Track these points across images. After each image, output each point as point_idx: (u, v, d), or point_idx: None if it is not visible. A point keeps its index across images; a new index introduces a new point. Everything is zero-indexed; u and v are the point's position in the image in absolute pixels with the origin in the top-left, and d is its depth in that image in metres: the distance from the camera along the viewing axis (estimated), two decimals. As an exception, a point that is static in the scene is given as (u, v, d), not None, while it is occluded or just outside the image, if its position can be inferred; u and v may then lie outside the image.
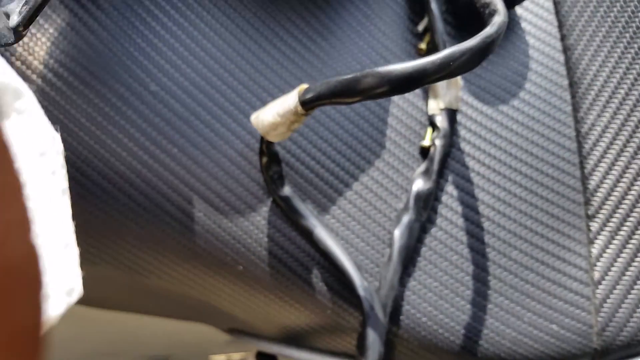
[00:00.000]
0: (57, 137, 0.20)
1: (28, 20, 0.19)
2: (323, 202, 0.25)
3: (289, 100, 0.21)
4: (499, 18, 0.20)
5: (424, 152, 0.26)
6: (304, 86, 0.21)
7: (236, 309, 0.28)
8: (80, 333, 0.43)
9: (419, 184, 0.25)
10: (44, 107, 0.23)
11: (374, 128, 0.25)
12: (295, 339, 0.28)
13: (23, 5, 0.19)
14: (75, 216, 0.19)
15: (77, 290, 0.18)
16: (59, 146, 0.20)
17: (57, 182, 0.19)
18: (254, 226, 0.25)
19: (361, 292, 0.23)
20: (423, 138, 0.26)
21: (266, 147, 0.23)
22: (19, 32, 0.19)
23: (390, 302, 0.24)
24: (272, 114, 0.21)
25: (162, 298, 0.30)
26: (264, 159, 0.24)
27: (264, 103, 0.25)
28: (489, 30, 0.19)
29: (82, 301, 0.35)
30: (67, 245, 0.19)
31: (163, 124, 0.24)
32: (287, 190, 0.24)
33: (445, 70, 0.18)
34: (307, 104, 0.20)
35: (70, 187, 0.22)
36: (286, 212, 0.24)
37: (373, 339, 0.23)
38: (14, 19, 0.19)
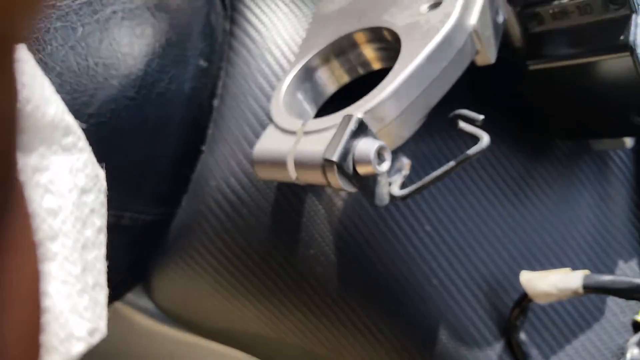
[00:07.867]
0: (101, 175, 0.20)
1: (408, 195, 0.24)
2: (547, 352, 0.30)
3: (573, 280, 0.26)
4: None
5: (636, 325, 0.31)
6: (587, 271, 0.26)
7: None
8: None
9: (634, 353, 0.30)
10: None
11: (598, 298, 0.31)
12: None
13: (403, 179, 0.25)
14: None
15: (101, 331, 0.18)
16: (103, 184, 0.20)
17: (94, 220, 0.20)
18: (486, 358, 0.30)
19: None
20: (636, 313, 0.31)
21: (525, 303, 0.29)
22: (395, 198, 0.24)
23: None
24: (548, 285, 0.27)
25: None
26: (517, 310, 0.29)
27: (504, 255, 0.31)
28: None
29: None
30: (96, 285, 0.19)
31: (430, 258, 0.30)
32: (522, 336, 0.30)
33: None
34: (590, 290, 0.26)
35: None
36: (518, 353, 0.29)
37: None
38: (394, 189, 0.24)
